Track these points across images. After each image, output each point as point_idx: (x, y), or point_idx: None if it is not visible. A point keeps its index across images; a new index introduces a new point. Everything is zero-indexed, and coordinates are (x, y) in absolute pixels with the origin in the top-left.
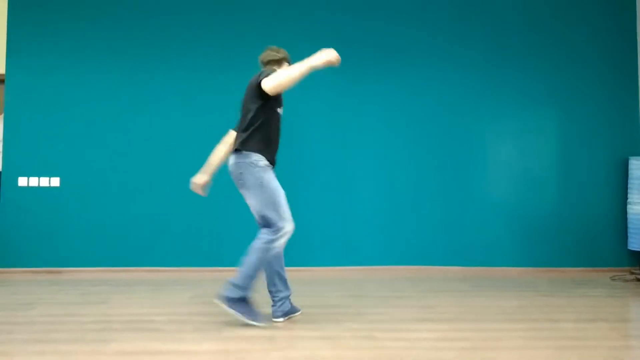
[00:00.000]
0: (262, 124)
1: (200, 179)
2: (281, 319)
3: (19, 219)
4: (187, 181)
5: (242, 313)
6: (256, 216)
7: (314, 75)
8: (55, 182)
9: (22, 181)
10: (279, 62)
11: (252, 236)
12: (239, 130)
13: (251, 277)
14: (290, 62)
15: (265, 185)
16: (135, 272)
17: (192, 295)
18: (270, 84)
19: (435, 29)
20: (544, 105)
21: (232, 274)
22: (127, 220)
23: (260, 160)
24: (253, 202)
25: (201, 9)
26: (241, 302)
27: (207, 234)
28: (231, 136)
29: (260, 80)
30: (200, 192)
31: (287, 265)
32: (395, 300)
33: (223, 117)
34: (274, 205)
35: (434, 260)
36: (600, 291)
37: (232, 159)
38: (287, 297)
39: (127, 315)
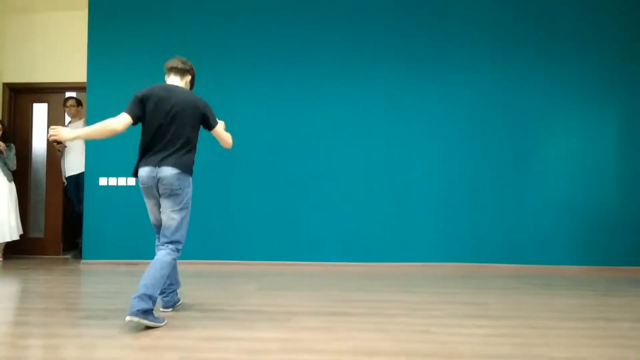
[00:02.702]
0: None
1: (69, 132)
2: (170, 309)
3: (100, 215)
4: (249, 179)
5: (152, 321)
6: (166, 229)
7: (370, 72)
8: (132, 181)
9: (102, 181)
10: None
11: (311, 234)
12: (174, 147)
13: (160, 289)
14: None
15: (189, 209)
16: (203, 265)
17: (257, 287)
18: (229, 143)
19: (494, 23)
20: (605, 99)
21: (291, 268)
22: (196, 215)
23: (191, 184)
24: (175, 216)
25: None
26: (151, 312)
27: (271, 231)
28: (124, 120)
29: (213, 121)
30: (58, 143)
31: (347, 261)
32: (449, 296)
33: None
34: (186, 228)
35: (489, 258)
36: None
37: (172, 172)
38: (176, 290)
39: (203, 305)
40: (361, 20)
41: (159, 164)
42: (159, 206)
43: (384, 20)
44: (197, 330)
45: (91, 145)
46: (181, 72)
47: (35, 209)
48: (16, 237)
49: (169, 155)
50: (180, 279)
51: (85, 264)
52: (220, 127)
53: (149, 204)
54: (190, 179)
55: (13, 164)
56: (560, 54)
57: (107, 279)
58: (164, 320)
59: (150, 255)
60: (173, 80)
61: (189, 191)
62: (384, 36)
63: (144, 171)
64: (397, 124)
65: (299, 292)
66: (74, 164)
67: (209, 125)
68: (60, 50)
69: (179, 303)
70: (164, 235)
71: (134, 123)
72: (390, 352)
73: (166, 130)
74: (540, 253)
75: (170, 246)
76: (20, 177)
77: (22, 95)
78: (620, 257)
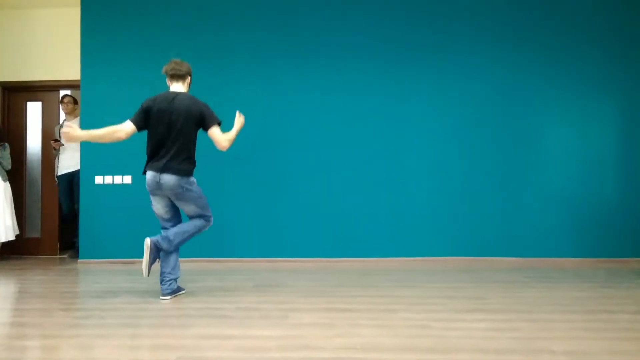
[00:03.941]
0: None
1: (80, 133)
2: (169, 297)
3: (96, 213)
4: (243, 175)
5: (152, 258)
6: (190, 214)
7: (363, 62)
8: (128, 179)
9: (98, 179)
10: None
11: (308, 229)
12: (176, 152)
13: (183, 240)
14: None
15: (201, 194)
16: (201, 262)
17: (253, 284)
18: (225, 144)
19: (492, 15)
20: (605, 92)
21: (288, 264)
22: None
23: (194, 179)
24: (191, 207)
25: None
26: (157, 253)
27: (266, 227)
28: (128, 128)
29: (210, 123)
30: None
31: (344, 256)
32: (449, 290)
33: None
34: (207, 207)
35: (489, 252)
36: None
37: (172, 179)
38: (176, 279)
39: (201, 303)
40: (357, 12)
41: (161, 170)
42: (165, 202)
43: (380, 12)
44: (194, 328)
45: (86, 144)
46: (180, 77)
47: (31, 208)
48: (12, 237)
49: (169, 161)
50: (182, 277)
51: (82, 264)
52: (215, 130)
53: (154, 200)
54: (192, 177)
55: (8, 164)
56: (559, 46)
57: (104, 279)
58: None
59: None
60: (175, 86)
61: (193, 187)
62: (380, 28)
63: (149, 175)
64: (394, 117)
65: (296, 289)
66: (68, 161)
67: (205, 127)
68: (53, 47)
69: (182, 292)
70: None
71: (138, 130)
72: (390, 347)
73: (167, 140)
74: (539, 246)
75: (199, 217)
76: (15, 176)
77: (16, 94)
78: (621, 248)
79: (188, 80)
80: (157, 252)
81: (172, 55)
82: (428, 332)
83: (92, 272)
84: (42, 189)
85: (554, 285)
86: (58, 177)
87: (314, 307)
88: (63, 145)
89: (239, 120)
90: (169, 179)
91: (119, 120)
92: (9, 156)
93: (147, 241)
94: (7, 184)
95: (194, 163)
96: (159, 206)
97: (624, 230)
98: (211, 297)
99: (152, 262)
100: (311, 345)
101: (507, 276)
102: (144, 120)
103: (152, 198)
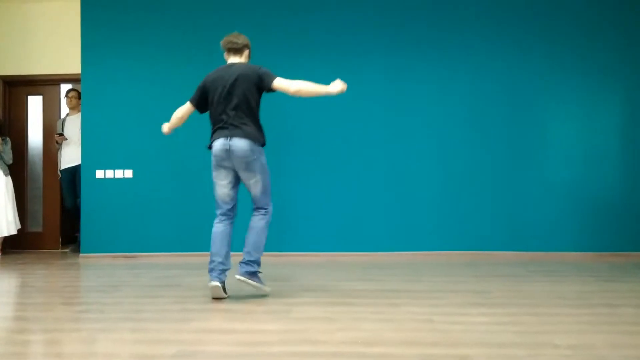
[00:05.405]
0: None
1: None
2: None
3: (97, 207)
4: None
5: (257, 282)
6: (255, 196)
7: (366, 57)
8: (129, 173)
9: (99, 173)
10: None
11: (310, 223)
12: (238, 117)
13: (261, 251)
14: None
15: (268, 171)
16: (202, 257)
17: None
18: (296, 87)
19: (494, 6)
20: (609, 84)
21: (290, 259)
22: (194, 208)
23: (263, 150)
24: (258, 185)
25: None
26: (256, 274)
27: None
28: (185, 107)
29: (269, 78)
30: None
31: (348, 251)
32: (452, 285)
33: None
34: (270, 189)
35: (492, 246)
36: None
37: (244, 144)
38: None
39: (201, 297)
40: (356, 2)
41: (229, 135)
42: (230, 177)
43: (380, 2)
44: (196, 322)
45: (87, 137)
46: (237, 50)
47: (32, 202)
48: (14, 232)
49: (235, 125)
50: (184, 271)
51: (84, 258)
52: (277, 81)
53: (219, 178)
54: (262, 148)
55: (9, 158)
56: (563, 37)
57: (106, 272)
58: (269, 289)
59: (150, 247)
60: (232, 59)
61: (263, 158)
62: (380, 20)
63: (217, 143)
64: (396, 111)
65: (299, 283)
66: (70, 155)
67: (266, 86)
68: (54, 41)
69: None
70: (252, 201)
71: (198, 109)
72: (393, 342)
73: (226, 106)
74: (542, 240)
75: (260, 210)
76: (17, 170)
77: (17, 87)
78: (624, 242)
79: (246, 53)
80: (254, 275)
81: (173, 50)
82: (431, 326)
83: (94, 266)
84: (43, 183)
85: (556, 279)
86: (61, 171)
87: (317, 301)
88: (67, 139)
89: (337, 86)
90: (240, 144)
91: (120, 114)
92: (10, 150)
93: (240, 278)
94: (9, 178)
95: (262, 131)
96: (224, 183)
97: (627, 224)
98: None
99: (258, 281)
100: (314, 340)
101: (510, 270)
102: (200, 97)
103: (216, 176)
